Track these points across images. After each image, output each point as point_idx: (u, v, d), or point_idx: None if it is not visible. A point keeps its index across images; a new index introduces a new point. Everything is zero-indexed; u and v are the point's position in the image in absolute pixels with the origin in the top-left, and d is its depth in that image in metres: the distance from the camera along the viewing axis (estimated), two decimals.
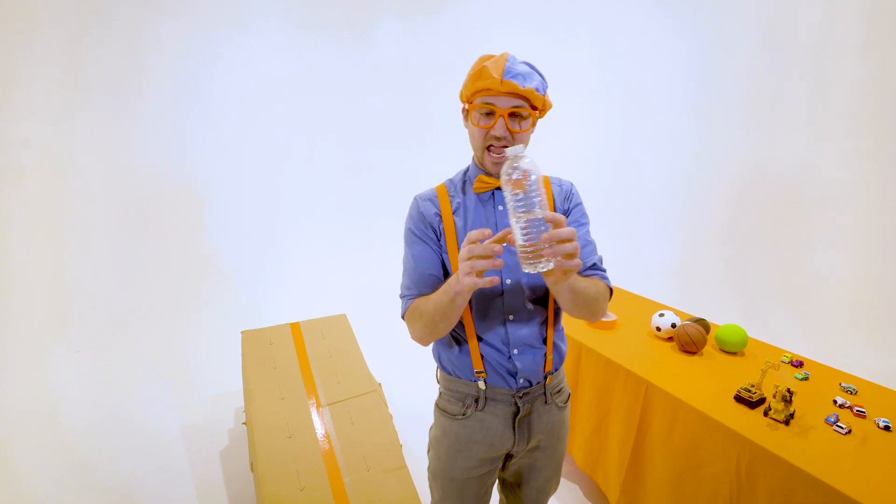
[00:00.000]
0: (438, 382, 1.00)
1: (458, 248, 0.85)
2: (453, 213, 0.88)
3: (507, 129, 0.80)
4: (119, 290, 3.00)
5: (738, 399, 1.26)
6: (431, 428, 1.01)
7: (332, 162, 4.08)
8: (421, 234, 0.89)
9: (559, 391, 0.96)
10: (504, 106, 0.79)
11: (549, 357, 0.91)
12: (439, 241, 0.89)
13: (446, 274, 0.89)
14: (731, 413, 1.21)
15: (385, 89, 4.12)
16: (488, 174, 0.86)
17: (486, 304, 0.88)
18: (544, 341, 0.91)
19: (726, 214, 3.53)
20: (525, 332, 0.88)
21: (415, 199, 0.93)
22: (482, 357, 0.90)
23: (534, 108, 0.81)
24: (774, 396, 1.18)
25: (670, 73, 3.70)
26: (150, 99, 3.17)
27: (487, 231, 0.67)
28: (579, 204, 0.93)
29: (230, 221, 3.55)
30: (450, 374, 0.95)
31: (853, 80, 2.91)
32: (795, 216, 3.19)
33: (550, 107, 0.86)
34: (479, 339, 0.90)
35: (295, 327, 1.98)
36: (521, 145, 0.69)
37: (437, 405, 0.99)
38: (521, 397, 0.90)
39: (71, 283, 2.87)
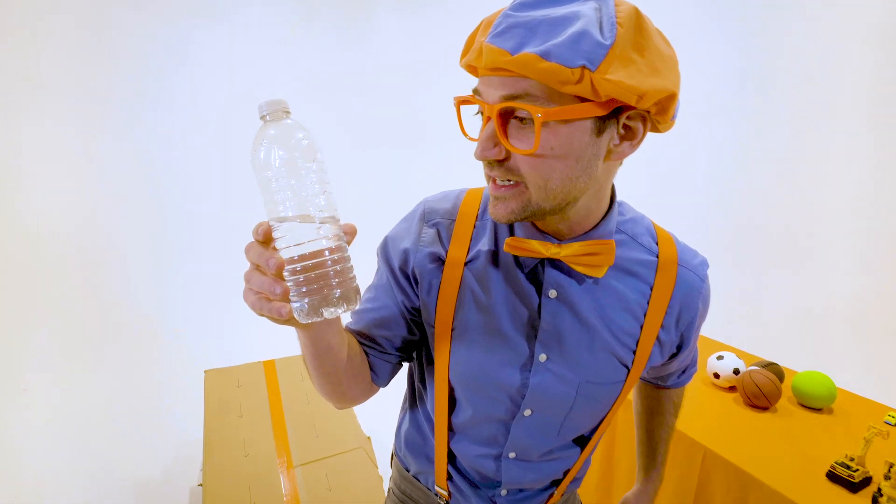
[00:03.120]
0: (390, 466, 0.73)
1: (452, 321, 0.56)
2: (466, 265, 0.55)
3: (498, 140, 0.44)
4: (72, 317, 2.69)
5: (833, 477, 0.96)
6: None
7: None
8: (394, 274, 0.59)
9: None
10: (491, 98, 0.44)
11: (559, 496, 0.65)
12: (417, 291, 0.58)
13: (411, 331, 0.60)
14: (825, 497, 0.91)
15: (380, 88, 3.83)
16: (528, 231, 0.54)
17: (479, 422, 0.59)
18: (556, 483, 0.64)
19: (800, 227, 2.95)
20: (530, 476, 0.62)
21: (422, 210, 0.60)
22: (449, 471, 0.63)
23: (550, 99, 0.42)
24: (888, 477, 0.88)
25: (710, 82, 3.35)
26: (113, 107, 2.92)
27: (266, 227, 0.41)
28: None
29: (201, 236, 3.20)
30: (402, 464, 0.69)
31: None
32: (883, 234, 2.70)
33: (645, 100, 0.42)
34: (451, 438, 0.62)
35: (269, 366, 1.69)
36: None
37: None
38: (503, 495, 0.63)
39: (20, 312, 2.57)
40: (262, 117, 0.41)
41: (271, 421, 1.45)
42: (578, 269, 0.52)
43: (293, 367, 1.70)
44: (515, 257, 0.55)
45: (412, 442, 0.66)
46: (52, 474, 1.87)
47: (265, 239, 0.40)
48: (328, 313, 0.40)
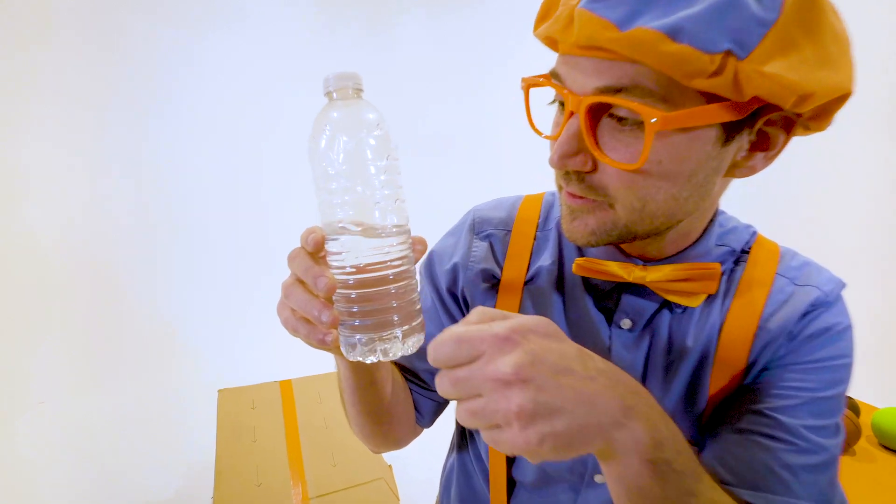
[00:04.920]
0: None
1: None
2: (525, 285, 0.46)
3: (584, 146, 0.34)
4: (81, 331, 2.65)
5: None
6: None
7: None
8: (440, 296, 0.50)
9: None
10: (581, 87, 0.33)
11: None
12: (463, 312, 0.50)
13: None
14: None
15: (402, 95, 3.74)
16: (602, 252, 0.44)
17: (545, 479, 0.49)
18: None
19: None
20: None
21: (472, 220, 0.50)
22: None
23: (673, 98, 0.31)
24: None
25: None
26: (122, 113, 2.89)
27: (318, 236, 0.32)
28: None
29: (215, 246, 3.12)
30: None
31: None
32: None
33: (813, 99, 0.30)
34: (512, 496, 0.51)
35: (285, 386, 1.60)
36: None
37: None
38: None
39: (34, 326, 2.54)
40: (328, 94, 0.32)
41: (286, 447, 1.36)
42: (669, 297, 0.41)
43: (311, 387, 1.61)
44: (585, 278, 0.44)
45: (463, 495, 0.56)
46: (63, 490, 1.81)
47: (315, 250, 0.32)
48: (384, 355, 0.32)
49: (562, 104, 0.36)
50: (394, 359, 0.33)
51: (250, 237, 3.11)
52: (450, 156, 3.68)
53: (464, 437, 0.56)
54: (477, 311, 0.30)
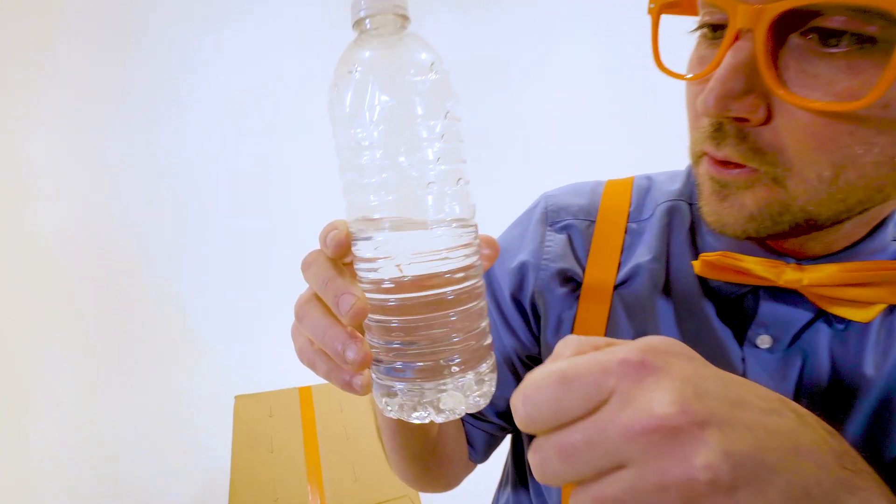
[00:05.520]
0: None
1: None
2: (615, 289, 0.35)
3: (755, 77, 0.23)
4: (101, 335, 2.62)
5: None
6: None
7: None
8: (500, 305, 0.39)
9: None
10: None
11: None
12: (537, 330, 0.39)
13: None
14: None
15: None
16: (739, 243, 0.33)
17: None
18: None
19: None
20: None
21: (544, 208, 0.40)
22: None
23: None
24: None
25: None
26: (129, 111, 2.88)
27: (341, 234, 0.23)
28: None
29: (234, 247, 3.07)
30: None
31: None
32: None
33: None
34: None
35: (304, 393, 1.52)
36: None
37: None
38: None
39: (47, 327, 2.52)
40: (358, 23, 0.22)
41: (305, 459, 1.28)
42: (834, 308, 0.30)
43: (331, 395, 1.53)
44: (703, 280, 0.33)
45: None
46: (74, 495, 1.78)
47: (338, 254, 0.23)
48: (437, 413, 0.22)
49: (713, 28, 0.26)
50: (453, 418, 0.23)
51: (272, 234, 3.04)
52: (483, 159, 3.58)
53: (523, 474, 0.46)
54: (568, 342, 0.20)
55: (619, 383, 0.17)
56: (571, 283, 0.37)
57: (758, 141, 0.25)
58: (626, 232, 0.37)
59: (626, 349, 0.18)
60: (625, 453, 0.16)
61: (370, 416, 1.34)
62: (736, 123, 0.25)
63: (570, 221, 0.38)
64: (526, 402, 0.18)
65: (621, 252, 0.36)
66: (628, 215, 0.37)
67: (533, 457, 0.18)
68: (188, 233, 3.06)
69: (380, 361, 0.23)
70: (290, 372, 2.02)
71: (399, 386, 0.22)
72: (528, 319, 0.39)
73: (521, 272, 0.38)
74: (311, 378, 1.62)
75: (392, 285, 0.22)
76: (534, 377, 0.19)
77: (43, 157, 2.59)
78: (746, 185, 0.26)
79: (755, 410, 0.18)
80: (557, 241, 0.38)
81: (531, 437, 0.40)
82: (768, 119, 0.25)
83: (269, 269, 3.00)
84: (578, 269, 0.37)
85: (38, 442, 2.13)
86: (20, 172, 2.51)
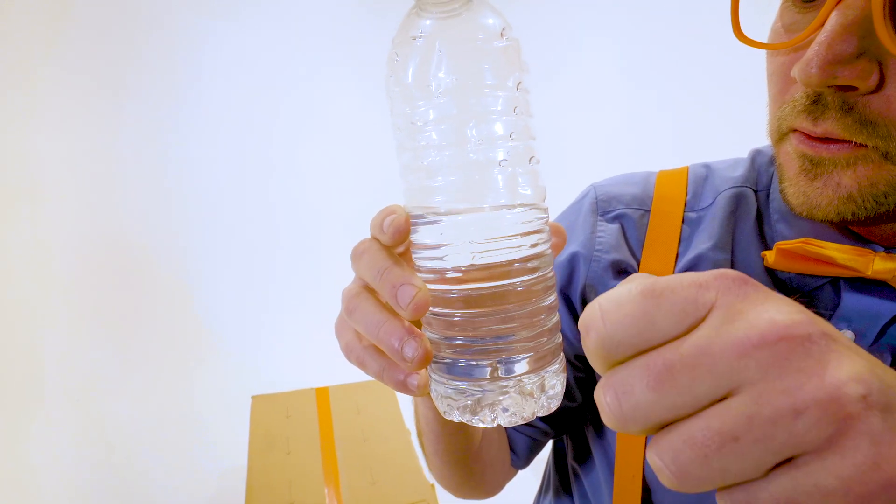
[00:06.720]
0: None
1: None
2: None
3: (867, 40, 0.21)
4: (116, 333, 2.64)
5: None
6: None
7: (382, 174, 3.57)
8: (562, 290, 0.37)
9: None
10: None
11: None
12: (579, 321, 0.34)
13: (569, 393, 0.36)
14: None
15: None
16: (817, 227, 0.30)
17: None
18: None
19: None
20: None
21: (594, 198, 0.38)
22: None
23: None
24: None
25: None
26: (140, 107, 2.90)
27: (400, 219, 0.20)
28: None
29: (251, 243, 3.05)
30: None
31: None
32: None
33: None
34: None
35: (321, 394, 1.51)
36: None
37: None
38: None
39: (57, 328, 2.55)
40: None
41: (322, 461, 1.27)
42: None
43: (349, 396, 1.52)
44: (771, 271, 0.30)
45: None
46: (87, 494, 1.78)
47: (396, 241, 0.21)
48: (504, 416, 0.19)
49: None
50: (519, 423, 0.20)
51: (289, 230, 3.02)
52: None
53: (566, 482, 0.43)
54: (635, 276, 0.17)
55: (721, 297, 0.14)
56: (625, 275, 0.35)
57: (866, 111, 0.22)
58: (683, 221, 0.34)
59: (718, 270, 0.15)
60: (738, 375, 0.13)
61: (389, 419, 1.30)
62: (840, 93, 0.22)
63: (622, 211, 0.36)
64: (605, 318, 0.15)
65: (679, 243, 0.34)
66: (685, 204, 0.35)
67: (606, 392, 0.14)
68: (202, 230, 3.06)
69: (440, 359, 0.21)
70: (307, 372, 2.03)
71: (461, 386, 0.20)
72: (577, 315, 0.36)
73: (572, 264, 0.36)
74: (328, 379, 1.61)
75: (457, 275, 0.20)
76: (611, 295, 0.15)
77: (51, 154, 2.61)
78: (847, 163, 0.23)
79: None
80: (610, 231, 0.35)
81: (582, 450, 0.37)
82: (880, 86, 0.22)
83: (289, 269, 3.00)
84: (633, 261, 0.35)
85: (51, 441, 2.15)
86: (28, 170, 2.54)
